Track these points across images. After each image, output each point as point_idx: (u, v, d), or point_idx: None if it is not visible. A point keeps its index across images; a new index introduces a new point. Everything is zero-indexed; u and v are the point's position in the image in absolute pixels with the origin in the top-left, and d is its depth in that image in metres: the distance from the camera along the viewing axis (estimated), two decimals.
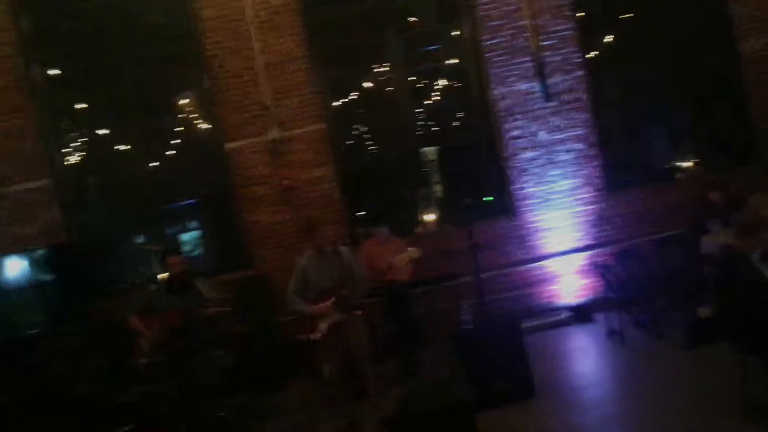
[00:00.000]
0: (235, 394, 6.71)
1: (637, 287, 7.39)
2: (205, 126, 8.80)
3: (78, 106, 8.87)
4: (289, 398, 7.38)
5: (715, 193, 7.67)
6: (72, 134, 8.88)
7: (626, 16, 9.09)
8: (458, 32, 8.91)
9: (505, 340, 5.84)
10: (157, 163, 8.82)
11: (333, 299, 5.66)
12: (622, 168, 8.78)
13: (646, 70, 8.91)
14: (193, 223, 8.86)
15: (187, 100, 8.80)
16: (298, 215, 8.26)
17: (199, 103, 8.77)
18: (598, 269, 7.69)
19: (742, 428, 4.66)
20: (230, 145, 8.40)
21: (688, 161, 8.90)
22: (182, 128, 8.84)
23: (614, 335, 7.24)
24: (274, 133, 8.30)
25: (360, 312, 5.78)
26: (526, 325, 7.28)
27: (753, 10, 8.63)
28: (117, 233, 8.77)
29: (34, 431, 6.52)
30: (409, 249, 7.12)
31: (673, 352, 6.51)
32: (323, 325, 5.67)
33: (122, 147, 8.82)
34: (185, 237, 8.85)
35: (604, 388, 6.05)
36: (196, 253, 8.85)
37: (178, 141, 8.89)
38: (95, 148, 8.82)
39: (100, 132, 8.86)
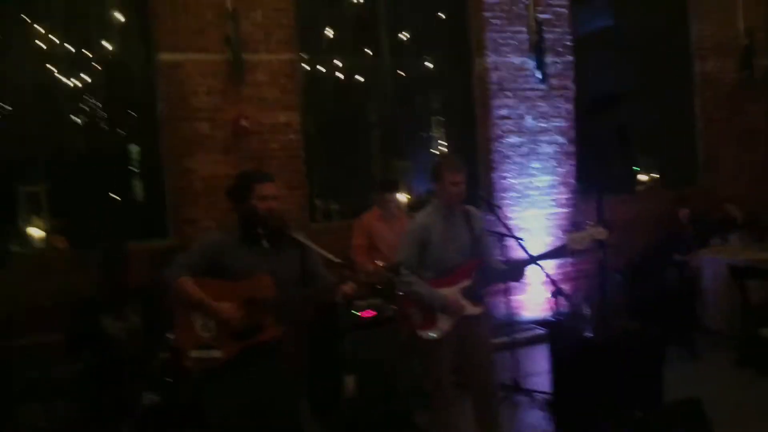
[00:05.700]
0: None
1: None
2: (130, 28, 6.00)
3: None
4: None
5: (684, 210, 7.52)
6: None
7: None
8: None
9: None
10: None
11: (465, 283, 3.76)
12: (589, 172, 7.99)
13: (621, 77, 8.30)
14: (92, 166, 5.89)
15: None
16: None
17: None
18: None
19: None
20: (165, 57, 5.80)
21: (649, 173, 8.47)
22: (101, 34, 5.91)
23: None
24: (231, 53, 5.90)
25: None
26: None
27: (710, 34, 8.53)
28: None
29: None
30: None
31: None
32: (446, 321, 3.72)
33: None
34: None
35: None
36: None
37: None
38: None
39: None
